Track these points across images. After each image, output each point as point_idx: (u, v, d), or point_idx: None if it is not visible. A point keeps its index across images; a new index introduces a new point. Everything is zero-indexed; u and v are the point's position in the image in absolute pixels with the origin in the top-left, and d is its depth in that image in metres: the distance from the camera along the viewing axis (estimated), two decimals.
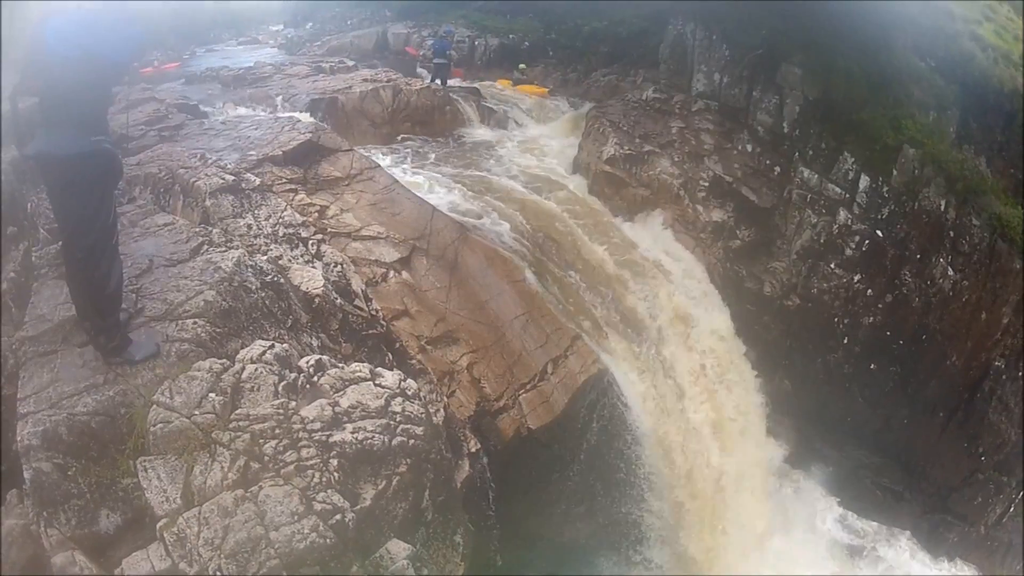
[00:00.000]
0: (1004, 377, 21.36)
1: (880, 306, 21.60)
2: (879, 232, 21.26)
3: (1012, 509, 22.55)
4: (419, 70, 33.95)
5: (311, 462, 7.73)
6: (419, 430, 8.89)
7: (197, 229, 11.65)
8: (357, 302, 13.33)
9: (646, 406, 17.40)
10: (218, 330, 9.37)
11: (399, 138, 23.49)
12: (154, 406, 7.86)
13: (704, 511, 18.48)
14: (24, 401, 7.87)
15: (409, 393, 9.36)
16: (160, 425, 7.70)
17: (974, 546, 22.78)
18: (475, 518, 12.49)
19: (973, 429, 21.81)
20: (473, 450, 13.26)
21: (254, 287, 10.53)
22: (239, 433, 7.73)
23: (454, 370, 14.54)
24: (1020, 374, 21.38)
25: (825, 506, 22.55)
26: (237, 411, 8.02)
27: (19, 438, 7.53)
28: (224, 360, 8.67)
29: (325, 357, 9.65)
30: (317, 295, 12.06)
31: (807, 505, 22.40)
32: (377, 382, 9.28)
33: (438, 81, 29.56)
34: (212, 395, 8.07)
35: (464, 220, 17.80)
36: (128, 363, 8.31)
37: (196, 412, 7.86)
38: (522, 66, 33.69)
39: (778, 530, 21.07)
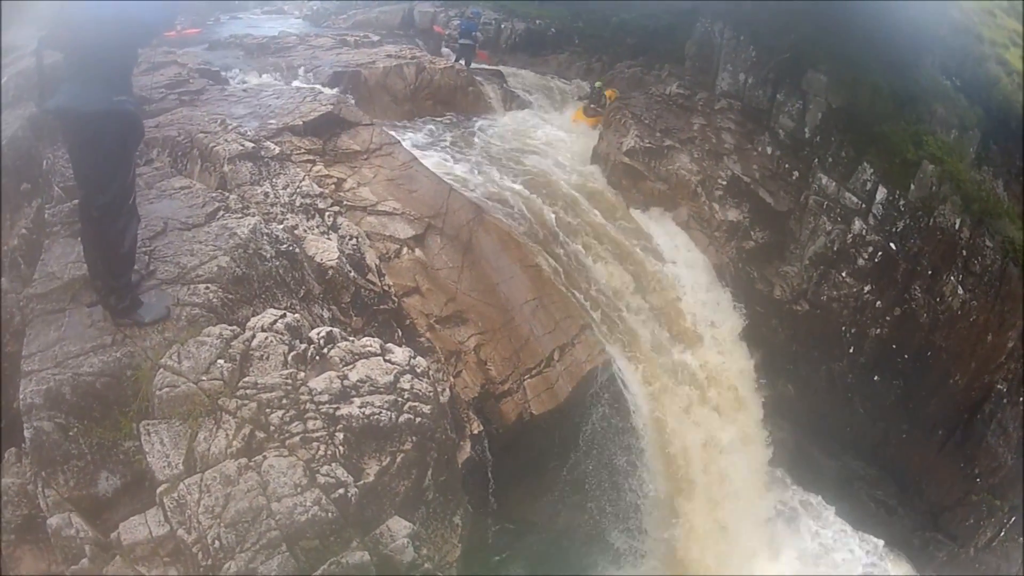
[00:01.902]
0: (1005, 401, 21.30)
1: (888, 319, 21.53)
2: (892, 245, 21.16)
3: (1003, 533, 22.47)
4: (444, 49, 33.73)
5: (317, 434, 7.75)
6: (426, 408, 8.87)
7: (214, 194, 11.60)
8: (370, 276, 13.35)
9: (649, 400, 17.36)
10: (230, 296, 9.34)
11: (422, 119, 23.38)
12: (161, 370, 7.82)
13: (699, 513, 18.39)
14: (28, 359, 7.85)
15: (419, 371, 9.36)
16: (166, 389, 7.65)
17: (962, 567, 22.69)
18: (473, 500, 12.38)
19: (970, 450, 21.76)
20: (475, 432, 13.32)
21: (269, 255, 10.51)
22: (246, 401, 7.72)
23: (461, 350, 14.54)
24: (1021, 399, 21.32)
25: (820, 515, 22.60)
26: (245, 379, 8.01)
27: (21, 396, 7.49)
28: (234, 327, 8.67)
29: (336, 330, 9.66)
30: (331, 267, 12.09)
31: (802, 515, 22.37)
32: (387, 358, 9.27)
33: (462, 62, 29.39)
34: (221, 361, 8.03)
35: (481, 201, 17.80)
36: (137, 325, 8.29)
37: (204, 378, 7.83)
38: (598, 84, 29.31)
39: (773, 539, 21.15)
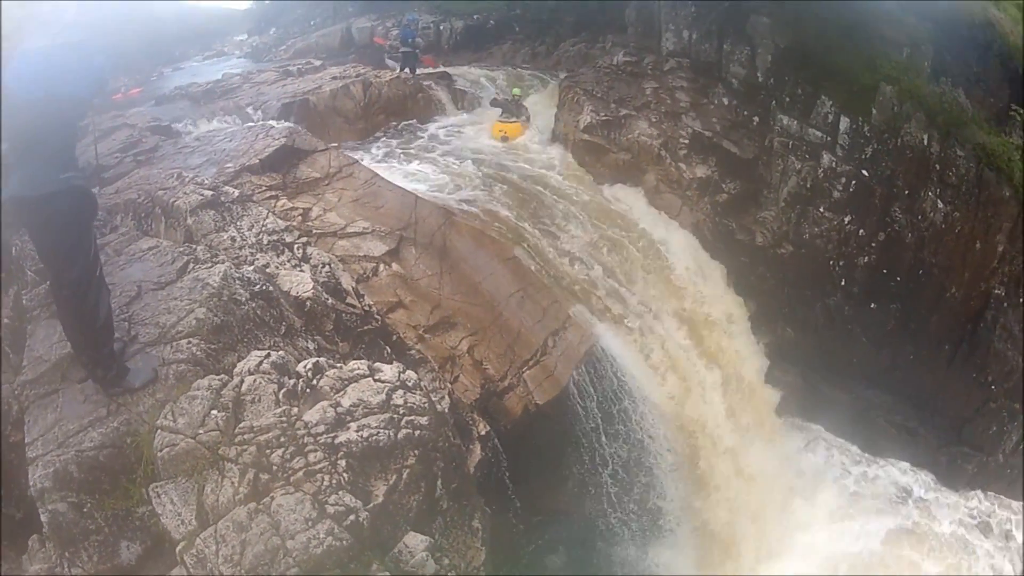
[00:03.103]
0: (1005, 304, 21.55)
1: (873, 245, 21.65)
2: (865, 172, 21.32)
3: None
4: (388, 61, 33.63)
5: (319, 466, 7.85)
6: (423, 420, 8.99)
7: (181, 249, 11.72)
8: (349, 300, 13.42)
9: (650, 369, 17.57)
10: (213, 346, 9.44)
11: (376, 134, 23.52)
12: (159, 431, 7.95)
13: (722, 473, 18.63)
14: (32, 445, 7.95)
15: (409, 384, 9.46)
16: (167, 449, 7.78)
17: (994, 476, 22.98)
18: (493, 499, 12.55)
19: (980, 359, 21.96)
20: (483, 433, 13.42)
21: (244, 299, 10.61)
22: (245, 446, 7.84)
23: (455, 355, 14.62)
24: (1021, 300, 21.57)
25: (838, 450, 22.90)
26: (241, 424, 8.12)
27: (32, 483, 7.61)
28: (222, 375, 8.75)
29: (322, 359, 9.75)
30: (308, 298, 12.16)
31: (820, 453, 22.72)
32: (376, 377, 9.36)
33: (407, 70, 29.43)
34: (214, 412, 8.15)
35: (449, 204, 17.92)
36: (128, 391, 8.40)
37: (200, 431, 7.96)
38: (516, 92, 27.32)
39: (795, 480, 21.35)
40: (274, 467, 7.74)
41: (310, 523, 7.32)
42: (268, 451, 7.88)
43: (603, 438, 16.16)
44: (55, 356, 8.85)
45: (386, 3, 42.19)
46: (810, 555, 19.84)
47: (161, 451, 7.78)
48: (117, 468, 7.88)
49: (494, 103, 26.47)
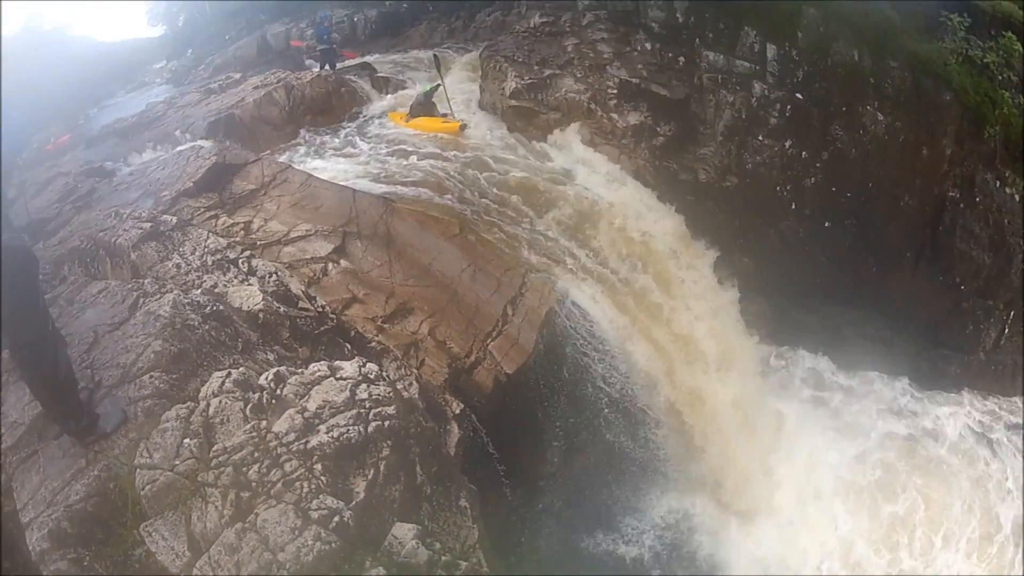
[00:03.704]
0: (962, 206, 22.00)
1: (818, 165, 21.85)
2: (799, 95, 21.48)
3: (1007, 330, 23.28)
4: (307, 62, 33.87)
5: (296, 474, 8.10)
6: (391, 410, 9.28)
7: (130, 286, 11.84)
8: (301, 304, 13.62)
9: (615, 317, 17.63)
10: (174, 376, 9.59)
11: (301, 133, 23.52)
12: (138, 470, 8.12)
13: (707, 410, 18.80)
14: (24, 509, 8.09)
15: (372, 377, 9.78)
16: (149, 486, 7.97)
17: (978, 374, 23.45)
18: (479, 475, 12.86)
19: (944, 262, 22.44)
20: (457, 411, 13.49)
21: (196, 323, 10.77)
22: (222, 469, 8.05)
23: (417, 340, 14.74)
24: (978, 199, 22.01)
25: (818, 370, 23.22)
26: (214, 448, 8.32)
27: (31, 547, 7.69)
28: (188, 403, 8.95)
29: (283, 368, 9.99)
30: (259, 310, 12.33)
31: (800, 374, 23.02)
32: (338, 376, 9.67)
33: (327, 67, 29.65)
34: (187, 441, 8.34)
35: (387, 191, 18.06)
36: (102, 437, 8.55)
37: (177, 462, 8.16)
38: (426, 88, 24.51)
39: (781, 404, 21.71)
40: (253, 483, 7.95)
41: (297, 532, 7.56)
42: (245, 469, 8.09)
43: (581, 395, 16.36)
44: (28, 418, 8.98)
45: (297, 5, 42.19)
46: (812, 473, 20.40)
47: (143, 489, 7.96)
48: (106, 515, 8.04)
49: (415, 109, 24.23)
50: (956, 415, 22.94)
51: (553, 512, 16.44)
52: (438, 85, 24.36)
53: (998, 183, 22.31)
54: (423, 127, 23.15)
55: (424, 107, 23.74)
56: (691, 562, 17.88)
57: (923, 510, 20.60)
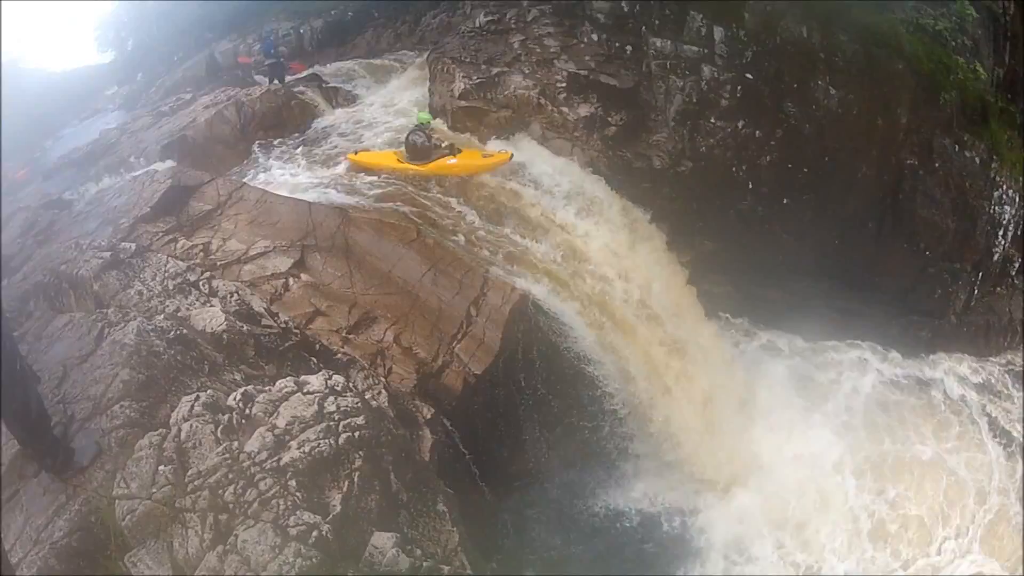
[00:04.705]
0: (921, 172, 22.23)
1: (773, 143, 21.95)
2: (749, 75, 21.62)
3: (976, 291, 23.92)
4: (256, 77, 33.84)
5: (272, 492, 8.35)
6: (360, 420, 9.58)
7: (94, 316, 12.07)
8: (264, 321, 13.84)
9: (580, 312, 17.83)
10: (144, 404, 9.78)
11: (254, 149, 23.30)
12: (116, 501, 8.32)
13: (680, 400, 19.13)
14: (12, 550, 8.28)
15: (338, 389, 10.12)
16: (128, 516, 8.19)
17: (951, 336, 24.11)
18: (456, 478, 13.08)
19: (907, 229, 22.73)
20: (428, 416, 13.70)
21: (162, 349, 10.98)
22: (198, 493, 8.28)
23: (383, 348, 14.94)
24: (936, 165, 22.27)
25: (788, 344, 23.77)
26: (189, 472, 8.55)
27: None
28: (160, 430, 9.15)
29: (250, 387, 10.27)
30: (223, 331, 12.56)
31: (770, 350, 23.59)
32: (305, 390, 9.96)
33: (276, 81, 29.63)
34: (161, 468, 8.56)
35: (343, 202, 18.28)
36: (79, 471, 8.74)
37: (154, 490, 8.37)
38: (421, 113, 21.26)
39: (757, 386, 22.13)
40: (230, 505, 8.18)
41: (277, 550, 7.81)
42: (220, 491, 8.31)
43: (552, 391, 16.65)
44: (7, 458, 9.15)
45: (245, 20, 42.15)
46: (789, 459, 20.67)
47: (124, 520, 8.16)
48: (91, 549, 8.24)
49: (413, 148, 20.44)
50: (932, 376, 23.67)
51: (533, 508, 16.70)
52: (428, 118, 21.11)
53: (957, 147, 22.54)
54: (458, 168, 20.39)
55: (424, 147, 20.38)
56: (675, 542, 18.23)
57: (903, 466, 21.28)
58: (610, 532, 17.77)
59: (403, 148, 20.82)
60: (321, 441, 9.17)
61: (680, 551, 18.19)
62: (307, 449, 9.01)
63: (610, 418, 17.68)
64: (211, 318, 12.84)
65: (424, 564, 8.97)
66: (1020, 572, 19.82)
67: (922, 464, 21.60)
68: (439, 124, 23.38)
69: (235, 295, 14.35)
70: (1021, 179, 23.60)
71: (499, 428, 16.01)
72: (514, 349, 15.95)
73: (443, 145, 20.83)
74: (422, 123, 20.66)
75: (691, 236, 22.43)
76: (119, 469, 8.66)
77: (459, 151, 20.72)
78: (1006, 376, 24.53)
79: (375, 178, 19.83)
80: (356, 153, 21.06)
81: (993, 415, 23.11)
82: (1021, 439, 22.45)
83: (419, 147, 20.42)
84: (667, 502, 18.69)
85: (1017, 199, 23.54)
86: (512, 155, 20.68)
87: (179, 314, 13.01)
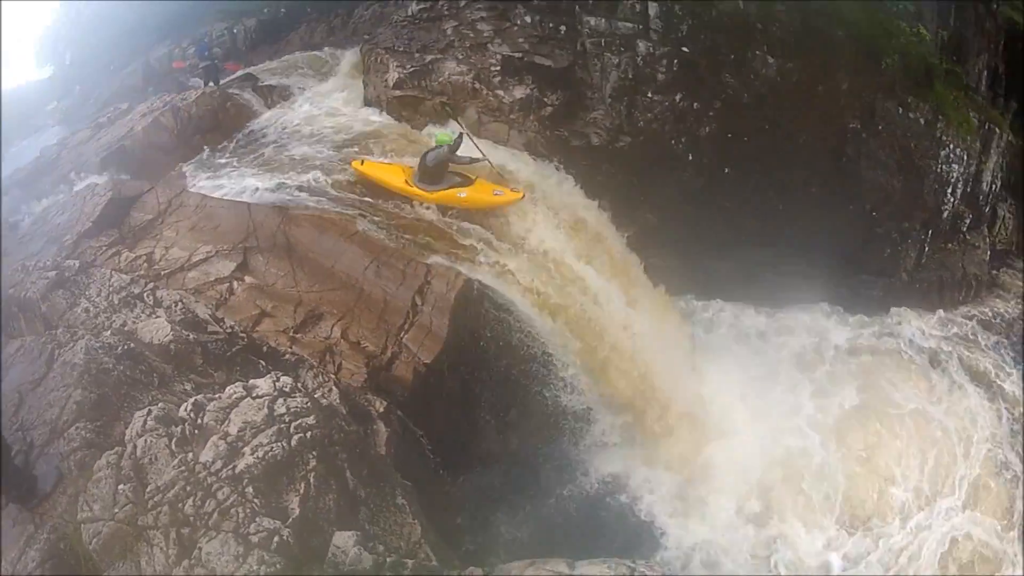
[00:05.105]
0: (864, 135, 22.59)
1: (711, 115, 22.17)
2: (685, 48, 21.77)
3: (927, 248, 24.32)
4: (192, 81, 33.32)
5: (230, 501, 8.57)
6: (311, 420, 9.82)
7: (44, 339, 12.25)
8: (210, 328, 14.09)
9: (526, 293, 18.08)
10: (98, 423, 10.01)
11: (196, 156, 22.78)
12: (82, 525, 8.53)
13: (626, 368, 19.27)
14: None
15: (287, 390, 10.33)
16: (95, 539, 8.40)
17: (903, 294, 24.55)
18: (415, 470, 13.33)
19: (852, 191, 23.11)
20: (381, 409, 13.93)
21: (111, 365, 11.20)
22: (159, 509, 8.49)
23: (331, 344, 15.18)
24: (880, 128, 22.65)
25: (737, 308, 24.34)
26: (148, 489, 8.75)
27: None
28: (116, 448, 9.35)
29: (200, 396, 10.47)
30: (169, 341, 12.79)
31: (720, 319, 24.07)
32: (254, 395, 10.16)
33: (211, 83, 29.54)
34: (121, 487, 8.76)
35: (282, 200, 18.34)
36: (43, 498, 8.98)
37: (116, 510, 8.57)
38: (440, 135, 19.96)
39: (711, 354, 22.49)
40: (191, 518, 8.39)
41: (241, 559, 8.04)
42: (180, 505, 8.51)
43: (505, 372, 17.05)
44: None
45: (179, 25, 41.89)
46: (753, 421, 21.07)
47: (91, 543, 8.38)
48: None
49: (425, 168, 19.33)
50: (898, 330, 24.24)
51: (496, 492, 16.96)
52: (461, 135, 19.76)
53: (901, 110, 22.85)
54: (466, 202, 19.50)
55: (438, 169, 19.39)
56: (636, 512, 18.68)
57: (880, 420, 21.66)
58: (573, 507, 18.05)
59: (416, 165, 19.72)
60: (274, 445, 9.37)
61: (642, 521, 18.57)
62: (261, 454, 9.20)
63: (565, 394, 17.94)
64: (157, 329, 13.03)
65: (388, 560, 9.08)
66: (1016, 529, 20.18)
67: (902, 416, 21.95)
68: (375, 115, 23.76)
69: (180, 304, 14.56)
70: (968, 138, 23.90)
71: (454, 415, 16.27)
72: (463, 335, 16.22)
73: (460, 168, 19.77)
74: (443, 143, 19.50)
75: (633, 211, 22.57)
76: (81, 492, 8.84)
77: (471, 181, 19.74)
78: (975, 325, 25.09)
79: (315, 175, 19.78)
80: (361, 162, 20.09)
81: (967, 362, 23.63)
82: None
83: (432, 168, 19.33)
84: (628, 473, 19.07)
85: (965, 157, 23.89)
86: (524, 195, 19.66)
87: (126, 328, 13.19)
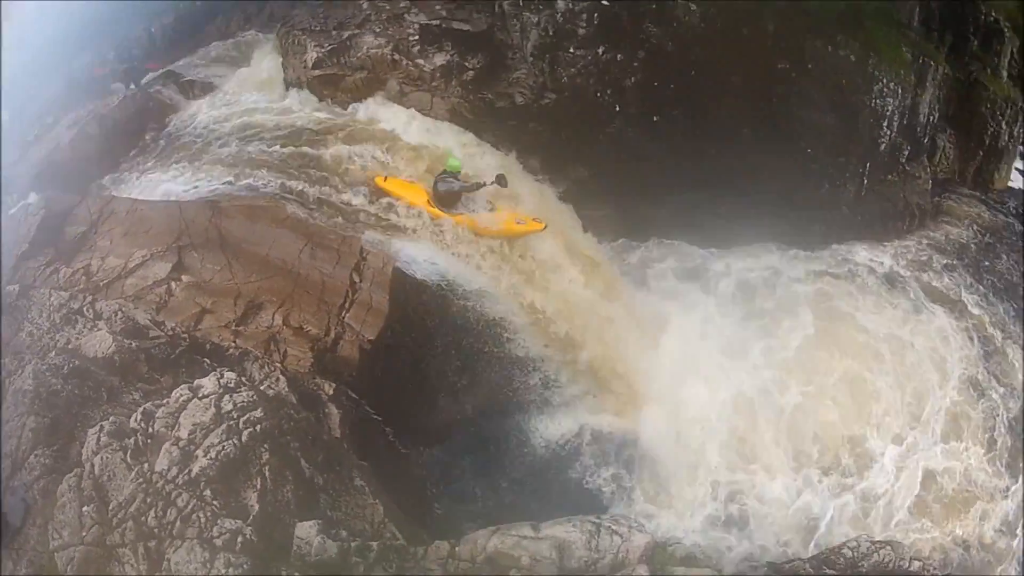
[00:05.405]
0: (794, 75, 22.82)
1: (636, 65, 22.25)
2: (605, 1, 21.85)
3: (866, 181, 24.62)
4: (114, 86, 31.85)
5: (190, 507, 8.81)
6: (258, 413, 10.13)
7: None
8: (152, 333, 14.27)
9: (462, 259, 18.65)
10: (55, 448, 10.22)
11: (124, 160, 22.95)
12: (55, 553, 8.72)
13: (569, 319, 19.51)
14: None
15: (232, 385, 10.62)
16: (70, 566, 8.60)
17: (845, 227, 25.15)
18: (373, 449, 13.71)
19: (786, 131, 23.32)
20: (331, 392, 14.21)
21: (59, 386, 11.38)
22: (124, 525, 8.72)
23: (273, 333, 15.41)
24: (810, 67, 22.82)
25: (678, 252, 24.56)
26: (111, 506, 8.96)
27: None
28: (75, 470, 9.55)
29: (148, 404, 10.67)
30: (112, 353, 12.96)
31: (660, 264, 24.20)
32: (200, 395, 10.43)
33: (132, 85, 29.35)
34: (85, 509, 8.96)
35: (212, 194, 18.61)
36: (15, 533, 9.16)
37: (84, 534, 8.77)
38: (451, 160, 19.82)
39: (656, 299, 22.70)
40: (155, 530, 8.60)
41: (208, 564, 8.26)
42: (143, 518, 8.74)
43: (454, 340, 17.46)
44: None
45: (98, 31, 41.45)
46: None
47: (66, 570, 8.58)
48: None
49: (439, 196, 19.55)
50: (840, 256, 24.93)
51: (458, 460, 17.50)
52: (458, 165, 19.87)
53: (830, 48, 22.97)
54: (490, 229, 19.80)
55: (449, 197, 19.69)
56: (598, 467, 19.15)
57: (831, 346, 22.05)
58: (535, 467, 18.46)
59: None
60: (225, 443, 9.63)
61: (603, 479, 19.01)
62: (213, 455, 9.46)
63: (513, 354, 18.37)
64: (100, 342, 13.18)
65: (352, 544, 9.31)
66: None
67: (870, 343, 22.40)
68: (295, 95, 23.84)
69: (119, 313, 14.66)
70: (903, 72, 24.13)
71: (406, 388, 16.54)
72: (405, 307, 16.62)
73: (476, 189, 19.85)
74: (452, 171, 19.73)
75: (564, 166, 22.85)
76: (49, 521, 9.04)
77: (494, 207, 20.22)
78: (928, 249, 25.83)
79: (242, 163, 20.03)
80: (384, 179, 19.98)
81: (926, 284, 24.40)
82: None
83: (445, 195, 19.64)
84: (585, 431, 19.44)
85: (900, 91, 24.05)
86: (545, 227, 19.94)
87: (70, 346, 13.29)
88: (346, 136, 21.34)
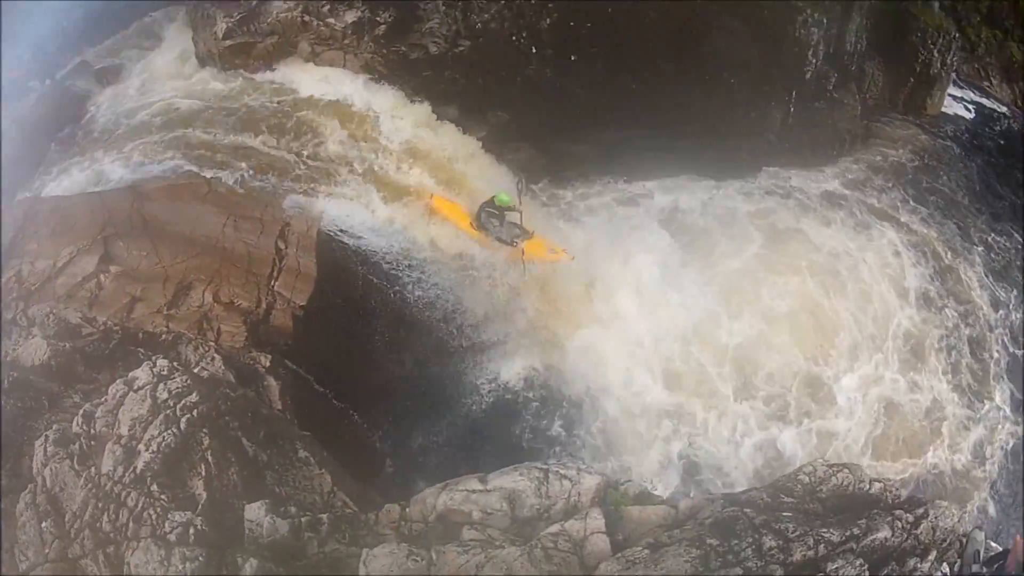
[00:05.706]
0: (714, 9, 23.08)
1: (551, 6, 22.49)
2: None
3: (792, 109, 25.06)
4: (30, 84, 31.90)
5: (139, 505, 8.86)
6: (194, 397, 10.08)
7: None
8: (85, 331, 14.21)
9: (390, 211, 19.18)
10: (8, 466, 10.21)
11: (47, 158, 22.76)
12: None
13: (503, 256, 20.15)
14: None
15: (164, 373, 10.50)
16: None
17: (773, 153, 25.70)
18: (318, 417, 13.78)
19: (709, 64, 23.79)
20: (268, 364, 14.22)
21: (2, 403, 11.30)
22: (81, 535, 8.76)
23: (205, 312, 15.48)
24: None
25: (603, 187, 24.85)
26: (66, 518, 8.98)
27: None
28: (29, 486, 9.52)
29: (88, 405, 10.61)
30: (48, 358, 12.90)
31: (586, 199, 24.63)
32: (135, 388, 10.36)
33: (48, 80, 28.99)
34: (44, 524, 8.97)
35: (131, 179, 18.80)
36: None
37: (47, 551, 8.78)
38: (501, 194, 20.37)
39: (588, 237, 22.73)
40: (111, 535, 8.64)
41: (165, 562, 8.27)
42: (97, 524, 8.75)
43: (383, 296, 17.76)
44: None
45: (11, 32, 40.95)
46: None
47: None
48: None
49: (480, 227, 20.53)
50: (773, 180, 25.51)
51: (406, 416, 17.77)
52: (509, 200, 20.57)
53: None
54: (526, 255, 20.51)
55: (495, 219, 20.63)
56: (546, 404, 19.71)
57: (777, 267, 22.44)
58: (481, 413, 18.95)
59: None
60: (164, 434, 9.62)
61: (546, 422, 19.46)
62: (155, 447, 9.45)
63: (445, 301, 18.85)
64: (35, 349, 13.08)
65: (303, 520, 9.26)
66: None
67: (821, 261, 22.79)
68: (207, 69, 23.99)
69: (51, 315, 14.61)
70: (827, 2, 24.32)
71: (344, 349, 16.83)
72: (335, 268, 16.90)
73: (516, 230, 20.77)
74: (501, 204, 20.48)
75: (482, 112, 23.17)
76: (15, 544, 9.02)
77: (530, 235, 20.86)
78: (865, 169, 26.53)
79: (164, 144, 20.27)
80: (431, 196, 20.87)
81: (868, 203, 25.03)
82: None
83: (486, 224, 20.49)
84: (525, 374, 19.87)
85: (825, 21, 24.28)
86: (574, 258, 20.95)
87: (8, 359, 13.16)
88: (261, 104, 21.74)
